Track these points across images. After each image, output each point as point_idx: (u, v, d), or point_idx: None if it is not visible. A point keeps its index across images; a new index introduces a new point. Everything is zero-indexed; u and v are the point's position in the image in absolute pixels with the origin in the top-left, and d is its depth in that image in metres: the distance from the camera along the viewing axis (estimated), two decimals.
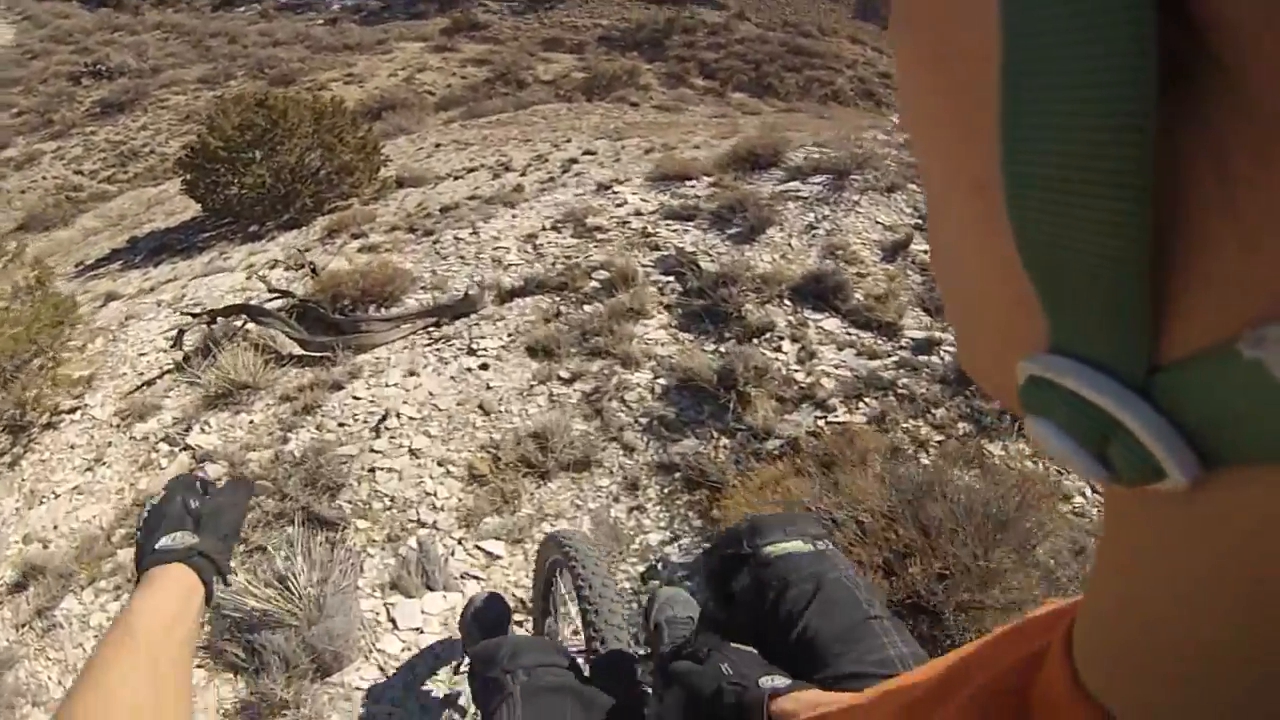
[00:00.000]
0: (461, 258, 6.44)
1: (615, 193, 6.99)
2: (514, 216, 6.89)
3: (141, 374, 5.53)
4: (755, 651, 0.94)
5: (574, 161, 9.85)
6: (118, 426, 4.89)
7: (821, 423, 3.65)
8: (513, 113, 16.36)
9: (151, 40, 23.83)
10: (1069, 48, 0.15)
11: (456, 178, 9.96)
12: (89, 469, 4.55)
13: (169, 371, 5.39)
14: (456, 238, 6.75)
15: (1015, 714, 0.28)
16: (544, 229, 6.52)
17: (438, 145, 13.15)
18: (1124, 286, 0.17)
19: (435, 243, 6.77)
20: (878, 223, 5.80)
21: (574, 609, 1.82)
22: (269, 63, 20.72)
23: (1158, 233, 0.16)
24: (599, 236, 6.14)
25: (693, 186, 6.93)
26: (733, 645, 0.94)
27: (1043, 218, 0.18)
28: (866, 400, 3.82)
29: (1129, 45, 0.14)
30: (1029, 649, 0.31)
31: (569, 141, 12.24)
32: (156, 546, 0.91)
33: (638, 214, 6.51)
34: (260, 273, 7.32)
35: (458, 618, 2.69)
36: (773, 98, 19.99)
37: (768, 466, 3.20)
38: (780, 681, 0.84)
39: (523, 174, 9.50)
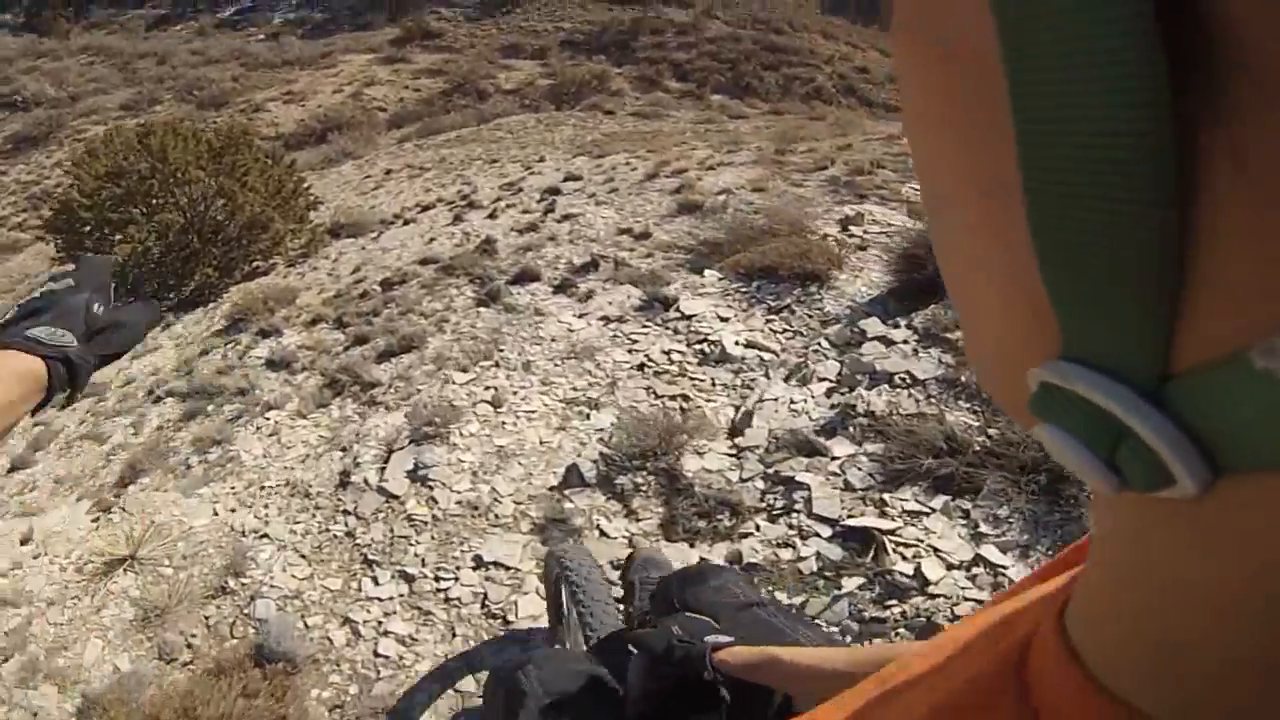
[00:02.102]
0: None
1: (688, 320, 4.19)
2: (491, 370, 4.16)
3: None
4: (710, 620, 1.03)
5: (555, 193, 7.49)
6: None
7: None
8: (474, 127, 14.03)
9: (75, 65, 20.98)
10: (1072, 45, 0.15)
11: (407, 221, 7.54)
12: None
13: None
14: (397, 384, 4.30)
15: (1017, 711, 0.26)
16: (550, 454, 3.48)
17: (388, 172, 10.73)
18: (1139, 292, 0.16)
19: (364, 397, 4.29)
20: None
21: (574, 615, 1.88)
22: (199, 84, 18.04)
23: (1173, 237, 0.15)
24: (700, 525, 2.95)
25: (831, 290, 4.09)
26: (688, 615, 1.04)
27: (1060, 222, 0.17)
28: None
29: (1136, 41, 0.14)
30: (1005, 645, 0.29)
31: (542, 161, 9.91)
32: (28, 332, 0.86)
33: (787, 415, 3.31)
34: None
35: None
36: (754, 98, 17.92)
37: None
38: (723, 639, 0.94)
39: (492, 213, 7.12)
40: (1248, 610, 0.18)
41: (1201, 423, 0.16)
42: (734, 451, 3.15)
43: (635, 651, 1.02)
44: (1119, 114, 0.15)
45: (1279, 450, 0.15)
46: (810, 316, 3.93)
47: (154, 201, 6.35)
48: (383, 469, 3.53)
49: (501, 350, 4.26)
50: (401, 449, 3.60)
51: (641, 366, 3.91)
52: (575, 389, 3.81)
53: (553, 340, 4.30)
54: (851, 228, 4.64)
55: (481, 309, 4.78)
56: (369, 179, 10.53)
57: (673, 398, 3.61)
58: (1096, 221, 0.16)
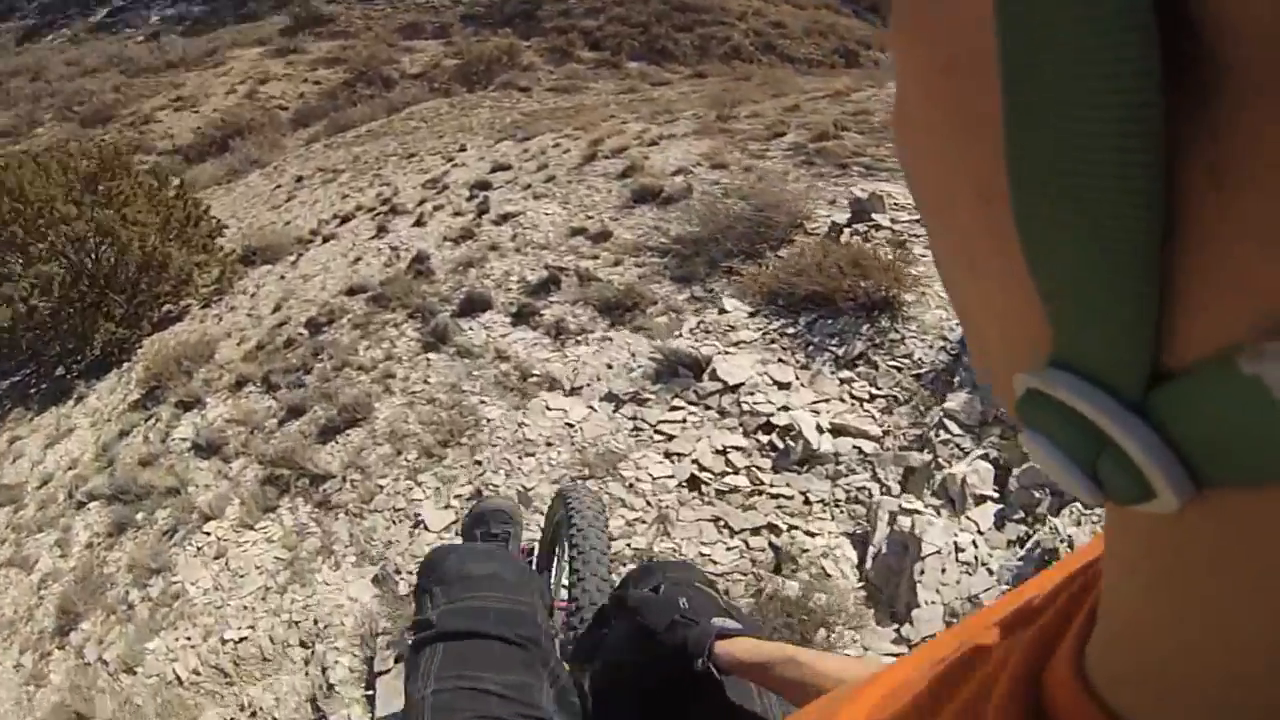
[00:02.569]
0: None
1: (733, 391, 3.15)
2: (466, 468, 3.36)
3: None
4: (716, 595, 0.95)
5: (485, 187, 6.81)
6: None
7: None
8: (385, 119, 13.09)
9: None
10: (1065, 48, 0.15)
11: (326, 238, 6.75)
12: None
13: None
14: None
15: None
16: None
17: (299, 179, 9.83)
18: (1123, 297, 0.16)
19: (316, 494, 3.59)
20: None
21: (565, 558, 1.76)
22: (78, 98, 16.51)
23: (1160, 240, 0.15)
24: None
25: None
26: (696, 585, 0.95)
27: (1049, 226, 0.17)
28: None
29: (1129, 44, 0.14)
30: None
31: (464, 150, 9.18)
32: None
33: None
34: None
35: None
36: (672, 63, 17.22)
37: None
38: (731, 624, 0.84)
39: (419, 219, 6.39)
40: (1252, 627, 0.17)
41: (1185, 433, 0.16)
42: (903, 647, 2.19)
43: (634, 613, 0.91)
44: (1104, 117, 0.14)
45: (1269, 462, 0.15)
46: (897, 369, 3.02)
47: (30, 250, 5.44)
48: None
49: (471, 430, 3.55)
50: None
51: (694, 482, 2.84)
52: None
53: (548, 445, 3.27)
54: (875, 217, 3.90)
55: (430, 355, 4.12)
56: (280, 189, 9.61)
57: (756, 531, 2.59)
58: (1080, 224, 0.16)
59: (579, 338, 3.85)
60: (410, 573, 2.89)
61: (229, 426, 4.29)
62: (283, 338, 4.96)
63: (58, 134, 14.53)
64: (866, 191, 4.07)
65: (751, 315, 3.21)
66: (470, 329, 4.21)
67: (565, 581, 1.73)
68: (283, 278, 6.11)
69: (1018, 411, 0.21)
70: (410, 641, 1.16)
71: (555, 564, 2.00)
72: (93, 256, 5.76)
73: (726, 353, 3.19)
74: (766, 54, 18.43)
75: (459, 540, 2.58)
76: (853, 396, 2.96)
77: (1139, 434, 0.16)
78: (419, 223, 6.38)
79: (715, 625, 0.83)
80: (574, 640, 1.36)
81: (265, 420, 4.23)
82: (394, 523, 3.27)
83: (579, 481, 2.66)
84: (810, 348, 3.19)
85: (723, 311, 3.30)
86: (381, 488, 3.43)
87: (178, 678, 2.93)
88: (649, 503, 2.80)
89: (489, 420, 3.58)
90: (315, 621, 2.97)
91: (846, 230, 3.74)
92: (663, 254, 4.33)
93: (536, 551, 2.23)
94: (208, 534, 3.60)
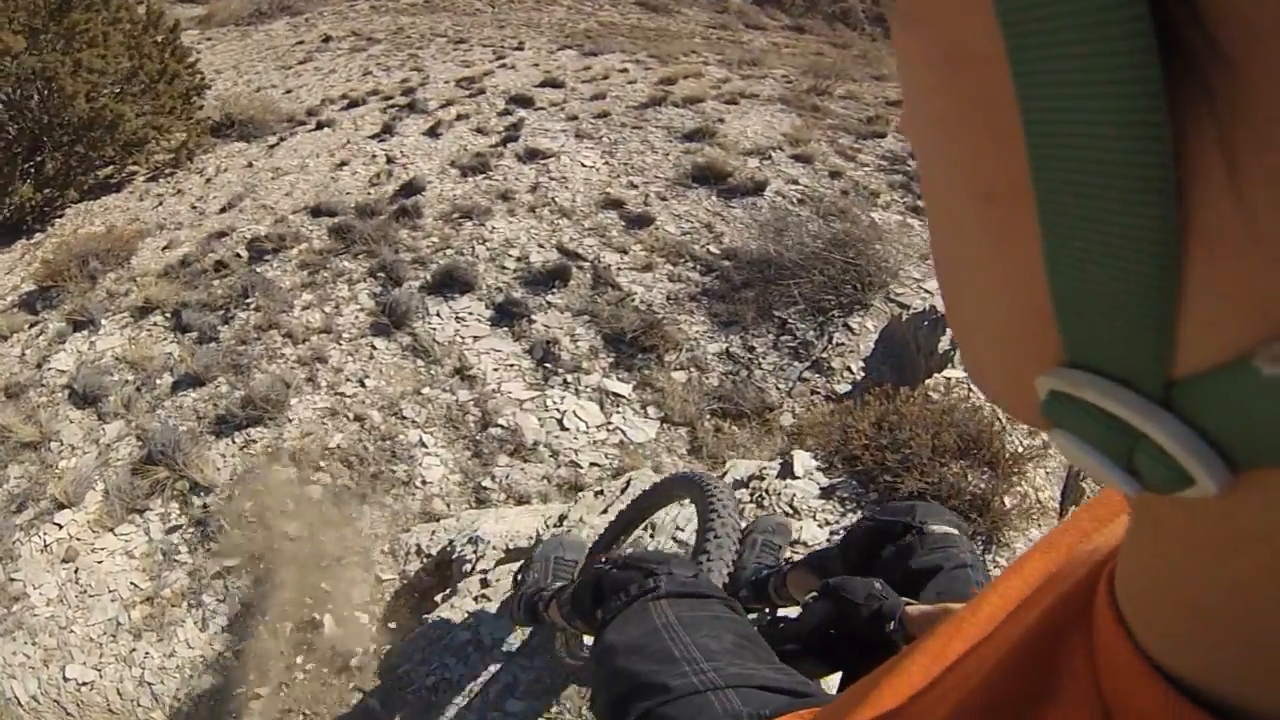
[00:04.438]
0: None
1: None
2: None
3: None
4: (870, 580, 0.99)
5: (525, 103, 5.45)
6: None
7: None
8: None
9: None
10: (1070, 46, 0.14)
11: (321, 124, 5.41)
12: None
13: None
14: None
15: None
16: None
17: (327, 39, 8.39)
18: (1144, 298, 0.16)
19: (193, 509, 2.67)
20: None
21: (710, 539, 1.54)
22: None
23: (1174, 240, 0.15)
24: None
25: None
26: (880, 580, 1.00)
27: (1070, 226, 0.17)
28: None
29: (1131, 41, 0.14)
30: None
31: (520, 49, 7.75)
32: None
33: None
34: None
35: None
36: (774, 7, 15.45)
37: None
38: (914, 602, 0.93)
39: (433, 128, 5.04)
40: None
41: (1213, 424, 0.16)
42: None
43: (836, 590, 1.00)
44: (1116, 113, 0.14)
45: None
46: None
47: None
48: None
49: (399, 489, 2.41)
50: None
51: None
52: None
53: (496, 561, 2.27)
54: None
55: (377, 341, 2.89)
56: (300, 46, 8.20)
57: None
58: (1103, 226, 0.16)
59: (569, 378, 2.60)
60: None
61: (116, 369, 3.16)
62: (215, 255, 3.71)
63: None
64: None
65: (830, 486, 1.84)
66: (437, 315, 2.97)
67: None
68: (250, 165, 4.81)
69: (1045, 413, 0.20)
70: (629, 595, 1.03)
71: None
72: (35, 101, 4.48)
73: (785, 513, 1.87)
74: (875, 25, 16.72)
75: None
76: None
77: (1172, 428, 0.16)
78: (433, 131, 5.04)
79: (902, 600, 0.91)
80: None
81: (160, 374, 3.09)
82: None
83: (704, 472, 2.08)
84: None
85: (788, 475, 1.90)
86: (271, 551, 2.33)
87: (16, 698, 2.41)
88: None
89: (424, 483, 2.39)
90: (174, 692, 2.30)
91: (954, 367, 2.27)
92: (706, 269, 3.04)
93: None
94: (59, 525, 2.78)
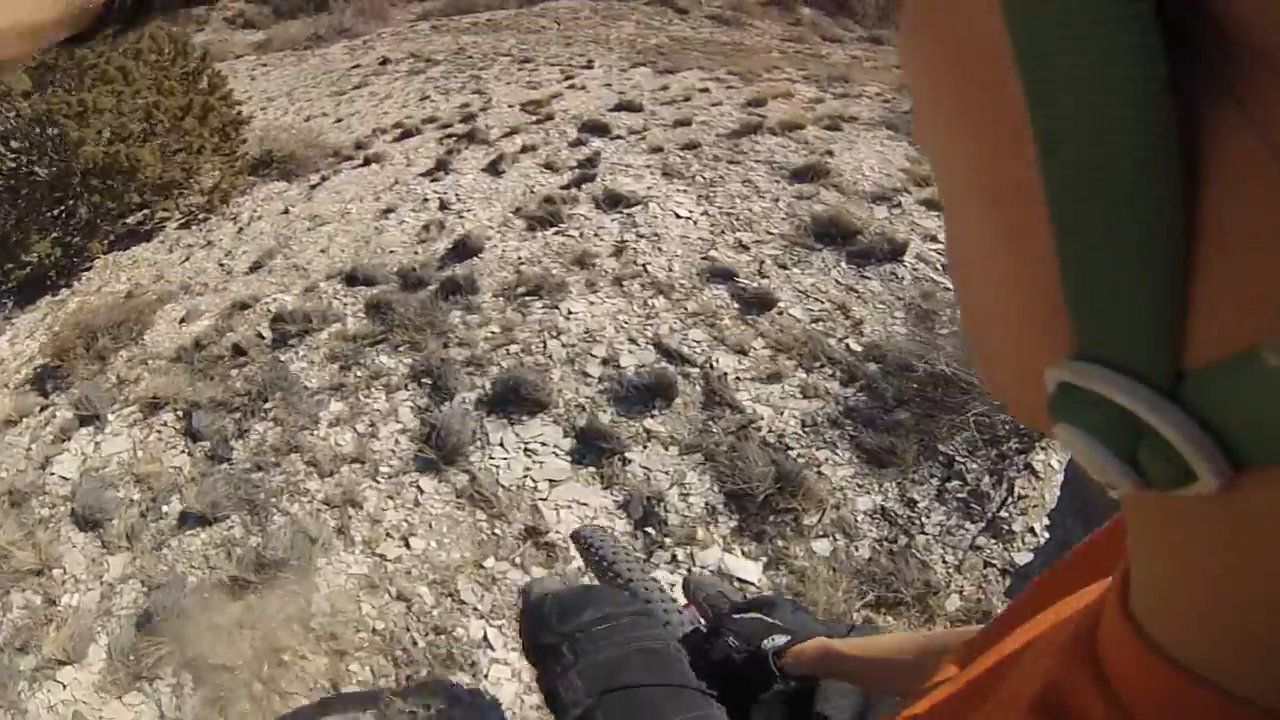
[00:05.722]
0: None
1: None
2: None
3: None
4: (761, 617, 0.95)
5: (599, 132, 4.69)
6: None
7: None
8: (513, 10, 10.85)
9: None
10: (1078, 44, 0.14)
11: (369, 159, 4.72)
12: None
13: None
14: None
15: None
16: None
17: (385, 61, 7.78)
18: (1154, 292, 0.16)
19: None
20: None
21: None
22: None
23: (1181, 234, 0.15)
24: None
25: None
26: (735, 617, 0.96)
27: (1080, 221, 0.17)
28: None
29: (1138, 39, 0.14)
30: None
31: (589, 67, 7.03)
32: None
33: None
34: None
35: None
36: (849, 19, 14.47)
37: None
38: (780, 639, 0.89)
39: (494, 163, 4.31)
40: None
41: (1218, 419, 0.16)
42: None
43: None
44: (1124, 108, 0.14)
45: None
46: None
47: None
48: None
49: None
50: None
51: None
52: None
53: None
54: None
55: (423, 480, 2.14)
56: (357, 69, 7.61)
57: None
58: (1114, 223, 0.16)
59: (678, 552, 1.82)
60: None
61: (121, 483, 2.50)
62: (235, 337, 3.02)
63: None
64: None
65: None
66: (500, 446, 2.19)
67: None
68: (287, 212, 4.14)
69: (1051, 406, 0.20)
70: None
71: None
72: (49, 147, 3.91)
73: None
74: None
75: None
76: None
77: (1178, 421, 0.16)
78: (494, 167, 4.30)
79: (768, 648, 0.87)
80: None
81: (167, 497, 2.42)
82: None
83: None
84: None
85: None
86: None
87: None
88: None
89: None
90: None
91: None
92: (848, 377, 2.20)
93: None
94: (62, 684, 2.19)
